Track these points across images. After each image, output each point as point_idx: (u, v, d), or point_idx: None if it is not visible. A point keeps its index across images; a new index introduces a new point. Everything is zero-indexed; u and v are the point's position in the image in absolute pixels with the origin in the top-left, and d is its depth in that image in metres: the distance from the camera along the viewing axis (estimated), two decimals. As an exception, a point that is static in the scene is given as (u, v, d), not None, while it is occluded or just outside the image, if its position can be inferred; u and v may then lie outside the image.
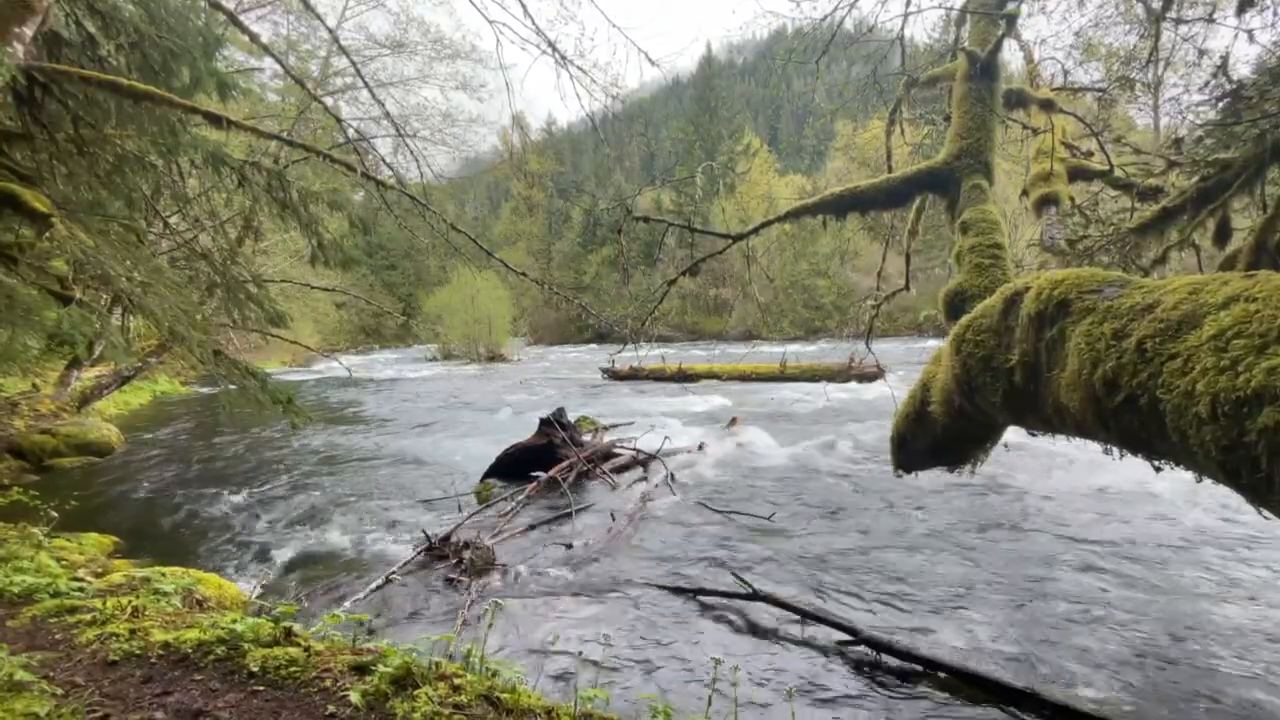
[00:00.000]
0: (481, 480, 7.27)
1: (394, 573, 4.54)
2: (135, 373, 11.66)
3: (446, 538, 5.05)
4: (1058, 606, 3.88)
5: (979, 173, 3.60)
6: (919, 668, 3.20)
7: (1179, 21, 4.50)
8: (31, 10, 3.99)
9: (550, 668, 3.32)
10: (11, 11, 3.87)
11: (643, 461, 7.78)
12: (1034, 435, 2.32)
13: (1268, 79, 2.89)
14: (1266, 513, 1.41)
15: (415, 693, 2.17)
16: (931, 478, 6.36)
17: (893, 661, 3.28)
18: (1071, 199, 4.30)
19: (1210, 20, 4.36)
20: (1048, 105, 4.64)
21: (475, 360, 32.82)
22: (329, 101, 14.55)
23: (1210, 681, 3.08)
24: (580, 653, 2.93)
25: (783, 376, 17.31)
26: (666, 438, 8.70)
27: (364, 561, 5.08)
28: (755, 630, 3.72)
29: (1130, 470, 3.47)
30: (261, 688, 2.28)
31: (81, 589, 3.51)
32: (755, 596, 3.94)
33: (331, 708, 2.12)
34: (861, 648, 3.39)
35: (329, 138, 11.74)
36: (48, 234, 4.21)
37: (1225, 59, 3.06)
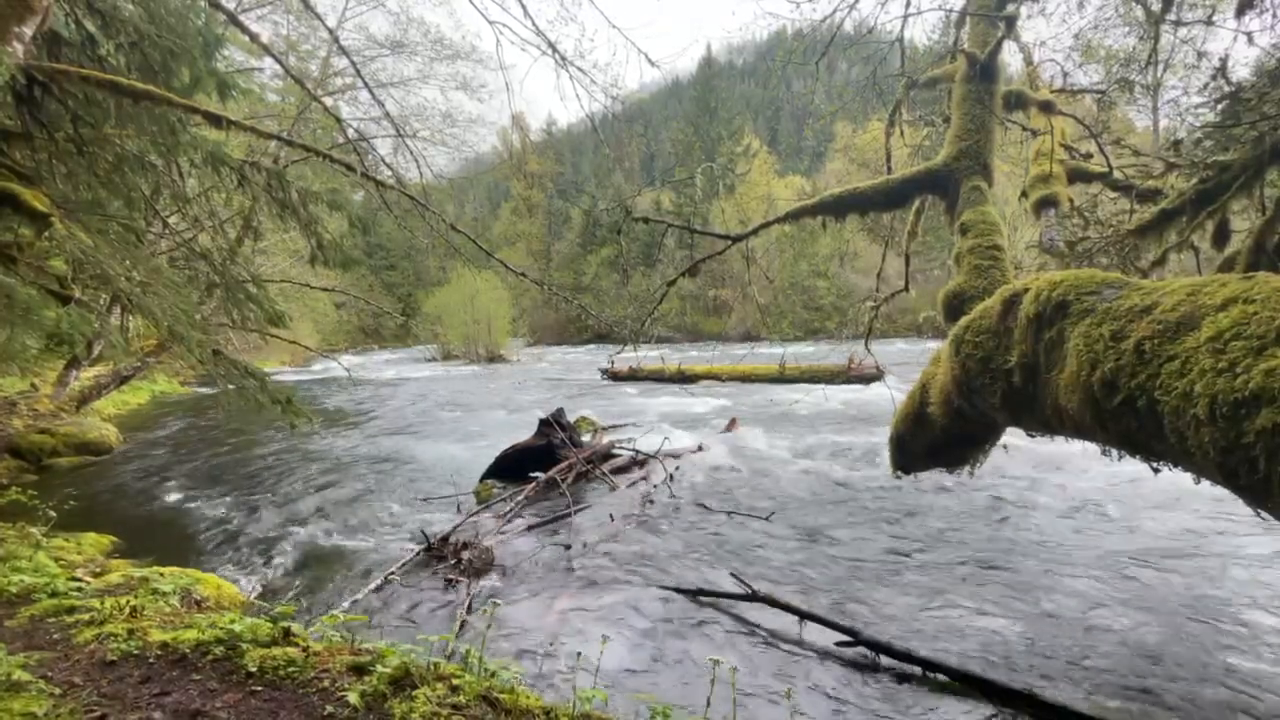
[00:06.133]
0: (481, 481, 7.26)
1: (393, 573, 4.54)
2: (134, 372, 11.66)
3: (445, 538, 5.04)
4: (1056, 608, 3.88)
5: (978, 174, 3.61)
6: (917, 669, 3.20)
7: (1178, 24, 4.51)
8: (31, 10, 3.98)
9: (549, 668, 3.31)
10: (11, 11, 3.87)
11: (642, 462, 7.78)
12: (1032, 436, 2.33)
13: (1266, 81, 2.89)
14: (1265, 514, 1.41)
15: (413, 693, 2.17)
16: (930, 479, 6.37)
17: (891, 663, 3.28)
18: (1070, 201, 4.30)
19: (1209, 23, 4.38)
20: (1047, 107, 4.65)
21: (475, 361, 32.81)
22: (329, 102, 14.56)
23: (1208, 682, 3.08)
24: (579, 653, 2.93)
25: (782, 377, 17.31)
26: (666, 438, 8.70)
27: (362, 562, 5.07)
28: (754, 631, 3.72)
29: (1129, 471, 3.47)
30: (260, 688, 2.28)
31: (80, 589, 3.51)
32: (754, 597, 3.94)
33: (330, 708, 2.11)
34: (860, 649, 3.39)
35: (329, 138, 11.75)
36: (47, 233, 4.21)
37: (1224, 61, 3.07)
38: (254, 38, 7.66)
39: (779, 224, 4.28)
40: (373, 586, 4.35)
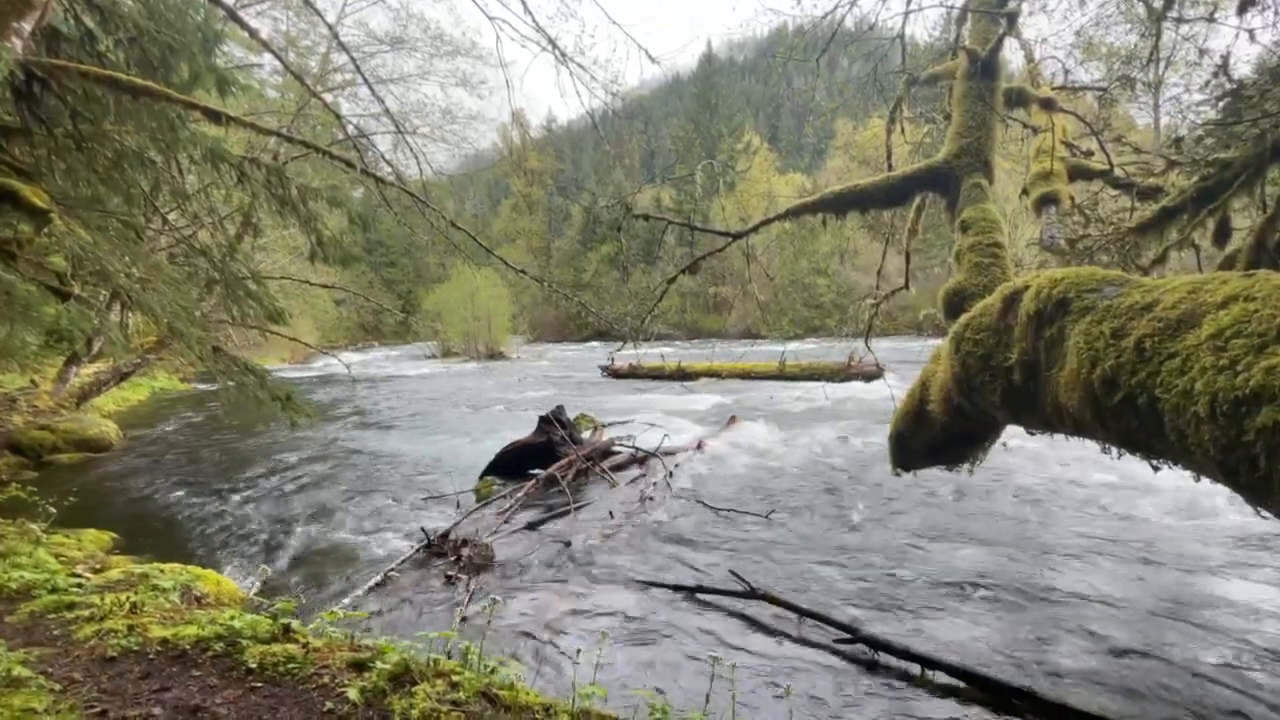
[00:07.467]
0: (480, 478, 7.27)
1: (392, 570, 4.54)
2: (134, 369, 11.66)
3: (445, 535, 5.05)
4: (1056, 606, 3.89)
5: (979, 171, 3.60)
6: (916, 667, 3.20)
7: (1180, 21, 4.50)
8: (30, 5, 3.97)
9: (548, 664, 3.32)
10: (10, 7, 3.85)
11: (641, 460, 7.78)
12: (1032, 434, 2.32)
13: (1268, 79, 2.88)
14: (1265, 512, 1.41)
15: (413, 689, 2.17)
16: (930, 476, 6.36)
17: (890, 660, 3.29)
18: (1071, 198, 4.29)
19: (1211, 20, 4.36)
20: (1048, 104, 4.64)
21: (474, 358, 32.82)
22: (328, 98, 14.54)
23: (1206, 681, 3.08)
24: (578, 649, 2.93)
25: (782, 375, 17.30)
26: (665, 436, 8.70)
27: (362, 559, 5.08)
28: (753, 628, 3.72)
29: (1129, 469, 3.47)
30: (259, 684, 2.28)
31: (80, 585, 3.52)
32: (753, 595, 3.95)
33: (329, 704, 2.12)
34: (859, 646, 3.40)
35: (328, 134, 11.72)
36: (46, 229, 4.20)
37: (1226, 58, 3.06)
38: (253, 34, 7.63)
39: (779, 221, 4.27)
40: (373, 583, 4.36)
